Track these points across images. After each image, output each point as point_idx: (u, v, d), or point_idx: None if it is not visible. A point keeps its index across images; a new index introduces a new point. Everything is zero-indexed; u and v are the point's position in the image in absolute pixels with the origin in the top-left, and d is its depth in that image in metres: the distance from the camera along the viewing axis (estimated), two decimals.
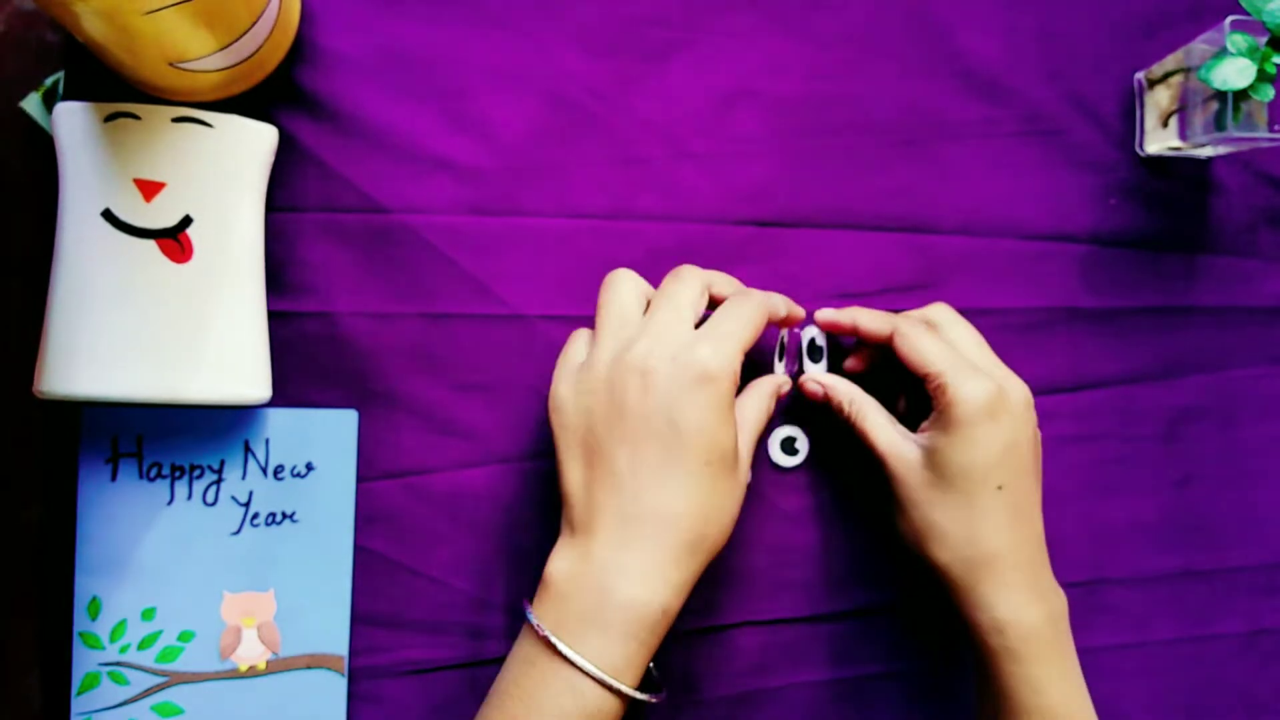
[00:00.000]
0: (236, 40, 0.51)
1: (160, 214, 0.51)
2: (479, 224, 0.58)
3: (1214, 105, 0.56)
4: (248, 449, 0.56)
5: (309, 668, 0.56)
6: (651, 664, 0.50)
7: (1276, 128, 0.56)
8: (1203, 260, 0.63)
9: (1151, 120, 0.62)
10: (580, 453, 0.49)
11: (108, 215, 0.51)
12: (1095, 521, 0.62)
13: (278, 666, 0.56)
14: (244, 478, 0.56)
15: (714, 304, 0.53)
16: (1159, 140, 0.61)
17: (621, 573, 0.46)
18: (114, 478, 0.55)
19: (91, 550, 0.54)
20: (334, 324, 0.57)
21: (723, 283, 0.54)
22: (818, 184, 0.61)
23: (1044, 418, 0.61)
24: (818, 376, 0.57)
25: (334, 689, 0.56)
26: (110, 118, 0.51)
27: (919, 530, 0.52)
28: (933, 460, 0.52)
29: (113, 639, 0.54)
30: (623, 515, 0.47)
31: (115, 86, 0.53)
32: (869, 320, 0.56)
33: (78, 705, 0.54)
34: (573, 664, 0.45)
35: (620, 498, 0.47)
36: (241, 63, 0.53)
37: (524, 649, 0.48)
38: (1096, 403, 0.62)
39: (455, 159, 0.58)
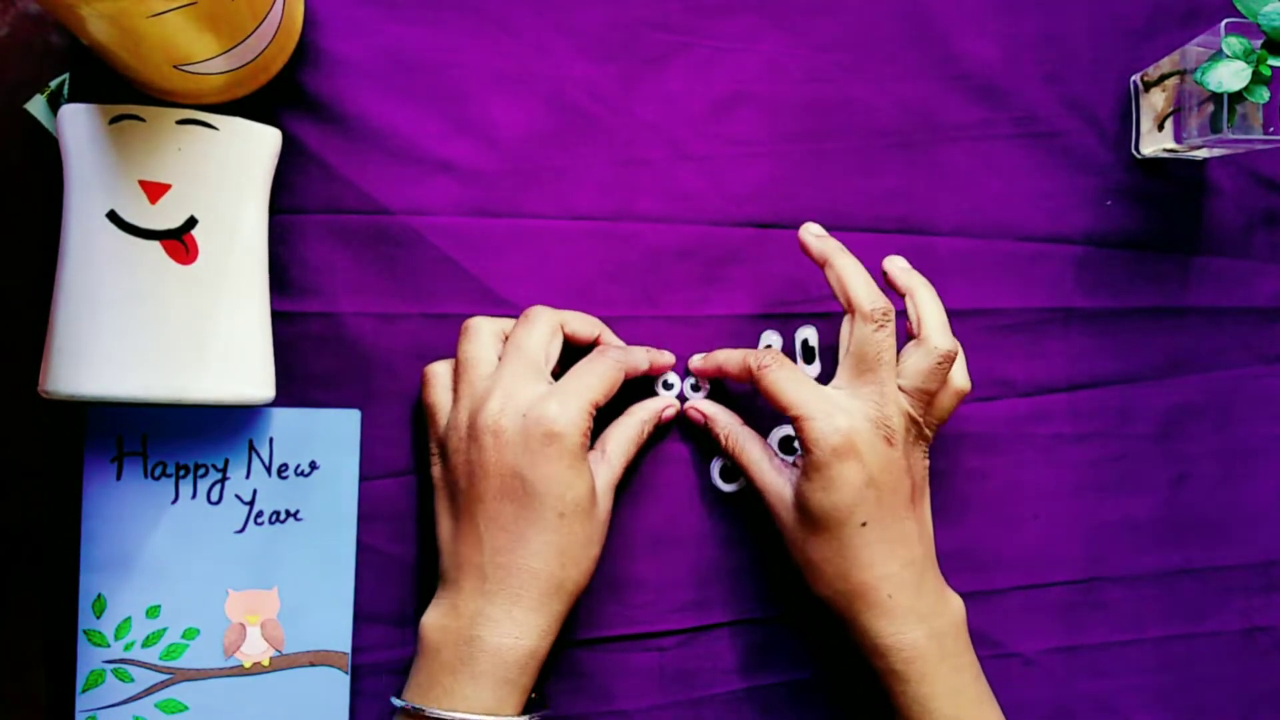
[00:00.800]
0: (241, 43, 0.52)
1: (165, 215, 0.51)
2: (481, 225, 0.59)
3: (1209, 107, 0.57)
4: (252, 448, 0.56)
5: (312, 665, 0.56)
6: (534, 692, 0.53)
7: (1271, 129, 0.57)
8: (1198, 261, 0.64)
9: (1147, 122, 0.62)
10: (449, 508, 0.53)
11: (113, 217, 0.51)
12: (1091, 520, 0.62)
13: (281, 664, 0.56)
14: (248, 476, 0.56)
15: (571, 344, 0.56)
16: (1154, 142, 0.62)
17: (486, 623, 0.50)
18: (119, 476, 0.55)
19: (96, 548, 0.55)
20: (337, 324, 0.58)
21: (578, 323, 0.56)
22: (816, 186, 0.61)
23: (1040, 418, 0.62)
24: (699, 405, 0.59)
25: (337, 686, 0.57)
26: (115, 120, 0.51)
27: (800, 565, 0.54)
28: (800, 502, 0.53)
29: (117, 636, 0.55)
30: (483, 570, 0.51)
31: (120, 89, 0.54)
32: (731, 362, 0.57)
33: (82, 702, 0.54)
34: None
35: (481, 553, 0.51)
36: (246, 65, 0.54)
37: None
38: (1092, 402, 0.63)
39: (457, 161, 0.58)
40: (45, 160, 0.55)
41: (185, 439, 0.56)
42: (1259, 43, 0.54)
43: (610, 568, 0.59)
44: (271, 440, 0.57)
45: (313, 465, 0.57)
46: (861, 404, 0.52)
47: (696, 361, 0.59)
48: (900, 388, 0.53)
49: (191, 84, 0.53)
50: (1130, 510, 0.63)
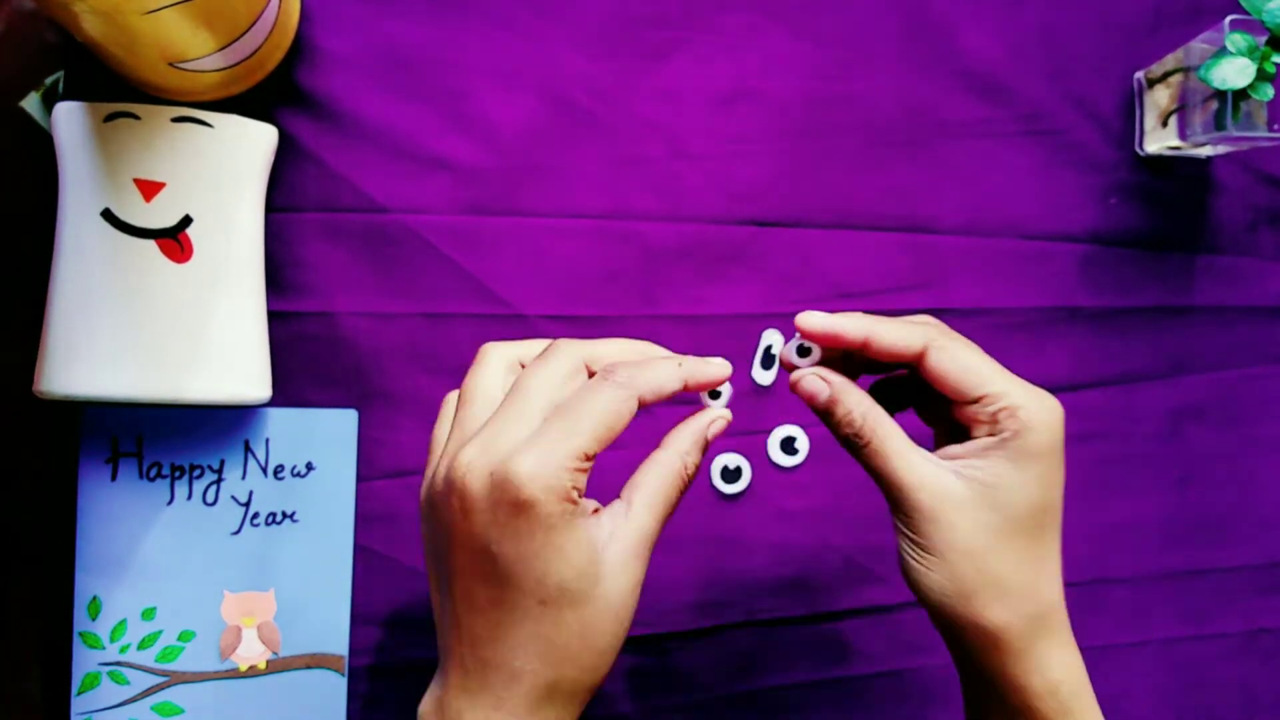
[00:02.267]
0: (236, 40, 0.51)
1: (160, 214, 0.51)
2: (478, 224, 0.58)
3: (1213, 105, 0.56)
4: (248, 449, 0.56)
5: (309, 667, 0.56)
6: None
7: (1276, 127, 0.56)
8: (1203, 260, 0.63)
9: (1151, 120, 0.62)
10: (434, 574, 0.42)
11: (107, 215, 0.51)
12: (1096, 521, 0.62)
13: (278, 666, 0.56)
14: (244, 477, 0.56)
15: None
16: (1159, 140, 0.61)
17: None
18: (114, 477, 0.55)
19: (91, 550, 0.54)
20: (334, 324, 0.58)
21: (613, 352, 0.44)
22: (817, 184, 0.61)
23: None
24: (822, 373, 0.44)
25: (334, 689, 0.56)
26: (110, 117, 0.51)
27: (965, 585, 0.42)
28: (995, 499, 0.42)
29: (113, 639, 0.54)
30: (464, 663, 0.40)
31: (115, 86, 0.54)
32: (891, 334, 0.43)
33: (78, 705, 0.54)
34: None
35: (460, 642, 0.40)
36: (241, 63, 0.53)
37: None
38: (1097, 402, 0.62)
39: (455, 159, 0.58)
40: (40, 158, 0.55)
41: (181, 440, 0.55)
42: (1263, 39, 0.54)
43: None
44: (268, 441, 0.56)
45: (309, 466, 0.56)
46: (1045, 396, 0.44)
47: (816, 322, 0.43)
48: None
49: (187, 81, 0.53)
50: (1134, 511, 0.63)
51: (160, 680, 0.55)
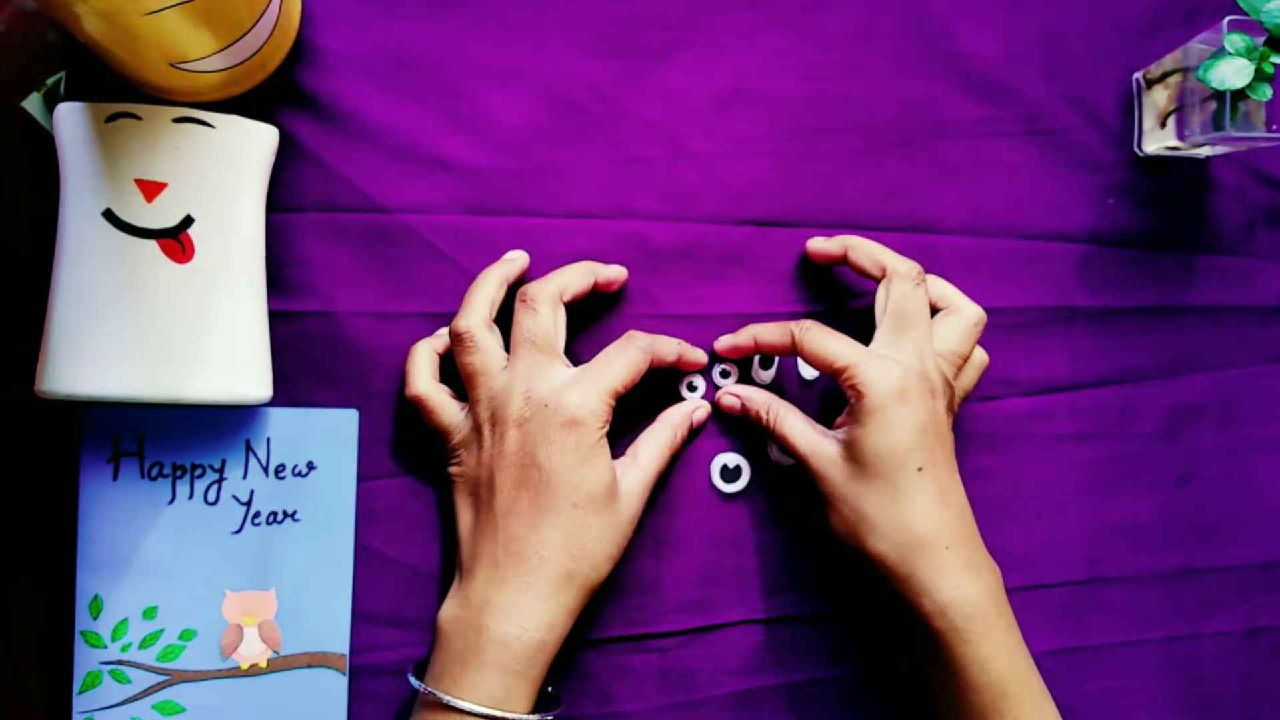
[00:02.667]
0: (237, 41, 0.51)
1: (161, 214, 0.51)
2: (479, 224, 0.58)
3: (1212, 105, 0.56)
4: (249, 448, 0.56)
5: (310, 666, 0.56)
6: (549, 687, 0.53)
7: (1274, 127, 0.57)
8: (1201, 260, 0.63)
9: (1150, 120, 0.62)
10: (470, 501, 0.53)
11: (109, 215, 0.51)
12: (1094, 520, 0.62)
13: (279, 665, 0.56)
14: (245, 477, 0.56)
15: (599, 291, 0.57)
16: (1157, 140, 0.61)
17: (494, 612, 0.50)
18: (115, 477, 0.55)
19: (93, 549, 0.54)
20: (334, 324, 0.58)
21: (575, 283, 0.56)
22: (817, 183, 0.61)
23: (1042, 417, 0.62)
24: (732, 389, 0.59)
25: (335, 687, 0.56)
26: (111, 118, 0.51)
27: (850, 524, 0.52)
28: (851, 452, 0.52)
29: (114, 637, 0.54)
30: (496, 557, 0.51)
31: (116, 87, 0.54)
32: (768, 334, 0.56)
33: (79, 704, 0.54)
34: (458, 709, 0.48)
35: (495, 541, 0.51)
36: (242, 63, 0.53)
37: (418, 709, 0.51)
38: (1095, 402, 0.62)
39: (455, 159, 0.58)
40: (41, 159, 0.55)
41: (182, 439, 0.55)
42: (1261, 40, 0.54)
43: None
44: (269, 440, 0.56)
45: (310, 466, 0.57)
46: (905, 357, 0.53)
47: (726, 341, 0.58)
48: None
49: (188, 82, 0.53)
50: (1133, 510, 0.63)
51: (161, 679, 0.55)
